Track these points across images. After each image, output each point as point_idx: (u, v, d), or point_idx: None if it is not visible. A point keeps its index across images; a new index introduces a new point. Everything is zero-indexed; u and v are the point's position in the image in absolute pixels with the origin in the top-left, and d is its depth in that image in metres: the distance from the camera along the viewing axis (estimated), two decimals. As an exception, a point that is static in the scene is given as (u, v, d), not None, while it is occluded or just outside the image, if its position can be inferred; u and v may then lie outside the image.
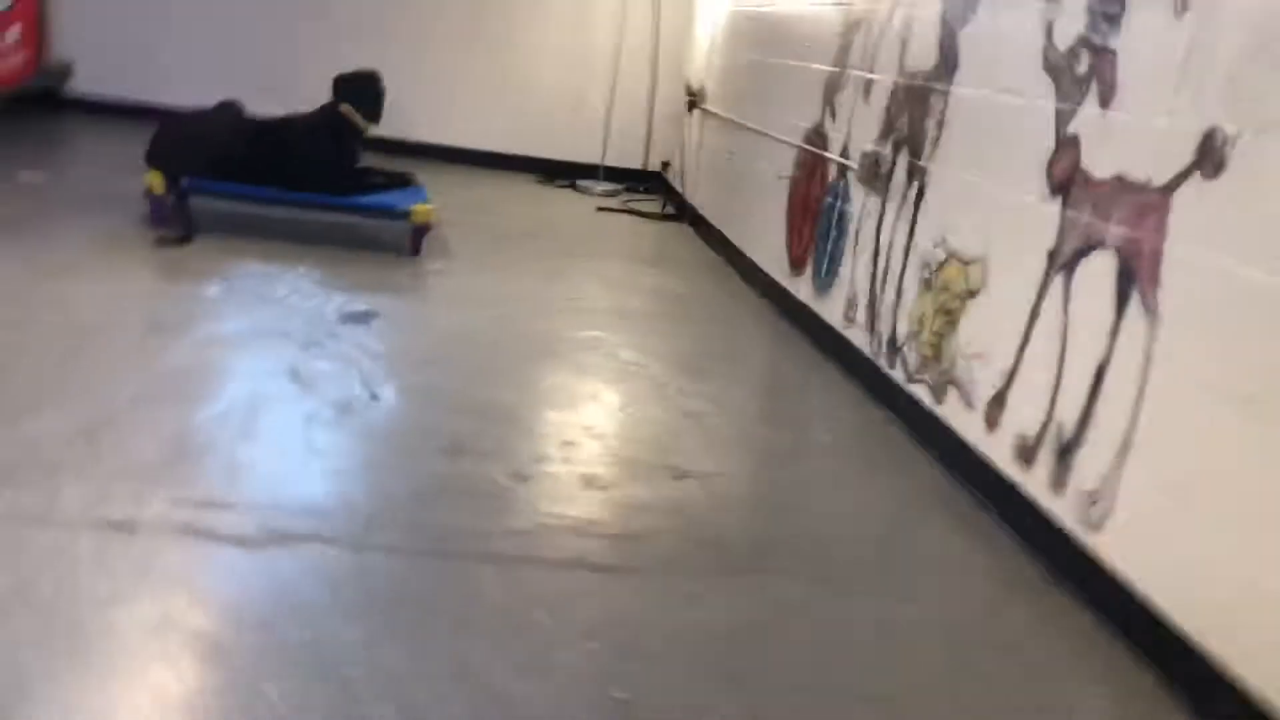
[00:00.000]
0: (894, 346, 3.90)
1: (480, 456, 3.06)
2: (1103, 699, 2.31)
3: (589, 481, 3.02)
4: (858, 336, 4.25)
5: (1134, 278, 2.58)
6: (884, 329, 4.00)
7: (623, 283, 5.59)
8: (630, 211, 7.49)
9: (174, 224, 4.82)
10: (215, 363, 3.46)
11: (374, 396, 3.37)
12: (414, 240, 5.23)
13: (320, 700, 1.92)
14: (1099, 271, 2.72)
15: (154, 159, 4.99)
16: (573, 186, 8.07)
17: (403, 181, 5.50)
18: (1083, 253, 2.80)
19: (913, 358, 3.74)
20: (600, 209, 7.50)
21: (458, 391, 3.59)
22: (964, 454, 3.31)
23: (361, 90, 5.42)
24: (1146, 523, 2.48)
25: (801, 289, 4.96)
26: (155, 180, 4.90)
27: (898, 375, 3.85)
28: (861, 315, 4.23)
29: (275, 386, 3.32)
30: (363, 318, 4.14)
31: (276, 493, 2.68)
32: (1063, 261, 2.89)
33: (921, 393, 3.65)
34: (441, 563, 2.45)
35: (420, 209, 5.18)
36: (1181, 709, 2.27)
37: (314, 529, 2.48)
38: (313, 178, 5.08)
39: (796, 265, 5.08)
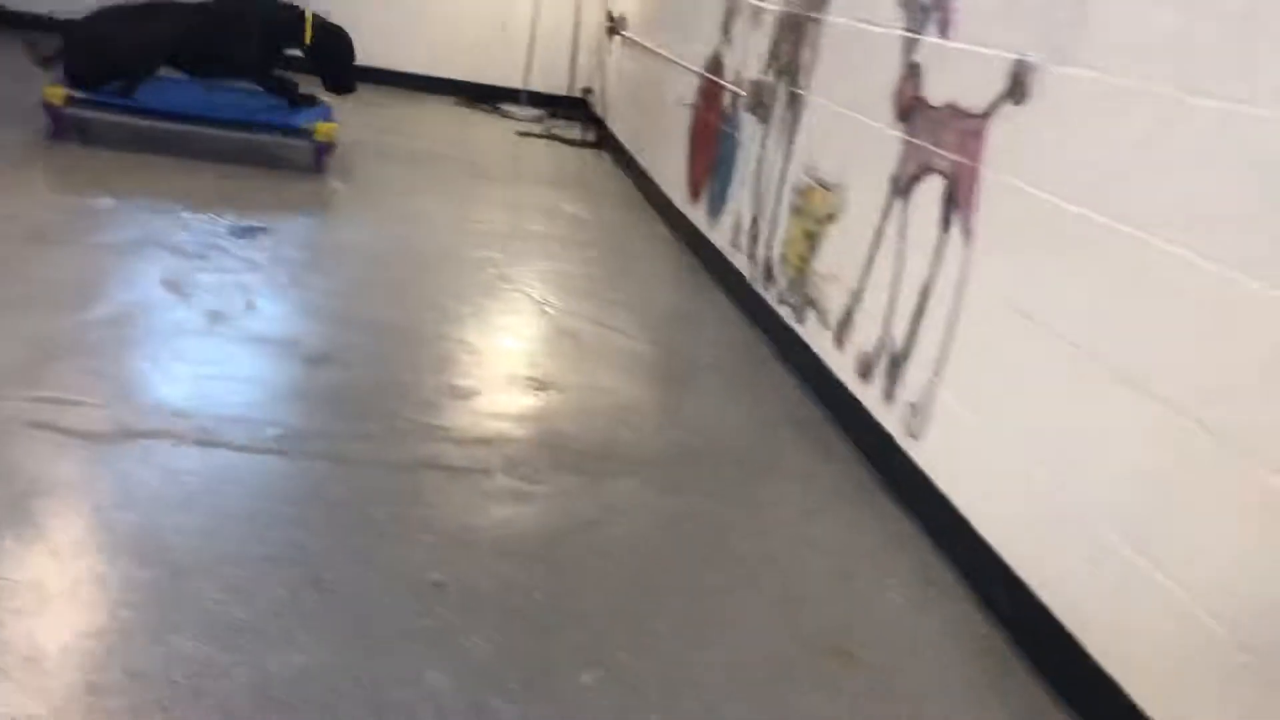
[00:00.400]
0: (768, 270, 4.04)
1: (346, 366, 3.17)
2: (901, 590, 2.49)
3: (451, 391, 3.14)
4: (741, 261, 4.38)
5: (956, 201, 2.73)
6: (761, 253, 4.14)
7: (529, 207, 5.67)
8: (550, 137, 7.52)
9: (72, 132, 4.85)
10: (94, 271, 3.52)
11: (249, 307, 3.45)
12: (317, 158, 5.27)
13: (148, 579, 2.04)
14: (929, 195, 2.86)
15: (73, 68, 4.96)
16: (495, 110, 8.08)
17: (306, 101, 5.51)
18: (918, 177, 2.94)
19: (782, 281, 3.89)
20: (521, 134, 7.52)
21: (336, 305, 3.68)
22: (818, 371, 3.47)
23: (334, 43, 5.45)
24: (953, 432, 2.65)
25: (698, 215, 5.08)
26: (54, 92, 4.88)
27: (770, 298, 4.00)
28: (745, 240, 4.36)
29: (151, 295, 3.39)
30: (253, 233, 4.19)
31: (133, 393, 2.77)
32: (902, 186, 3.02)
33: (787, 314, 3.80)
34: (287, 460, 2.57)
35: (323, 127, 5.21)
36: (971, 601, 2.46)
37: (165, 426, 2.59)
38: (239, 57, 5.13)
39: (695, 192, 5.19)
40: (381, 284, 4.02)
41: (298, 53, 5.43)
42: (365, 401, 2.97)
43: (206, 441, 2.58)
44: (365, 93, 6.21)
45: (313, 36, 5.37)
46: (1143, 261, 2.02)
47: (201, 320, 3.27)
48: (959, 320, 2.66)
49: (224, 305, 3.42)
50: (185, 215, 4.25)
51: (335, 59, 5.54)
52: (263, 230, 4.25)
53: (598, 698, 1.94)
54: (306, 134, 5.21)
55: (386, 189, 5.42)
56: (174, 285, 3.49)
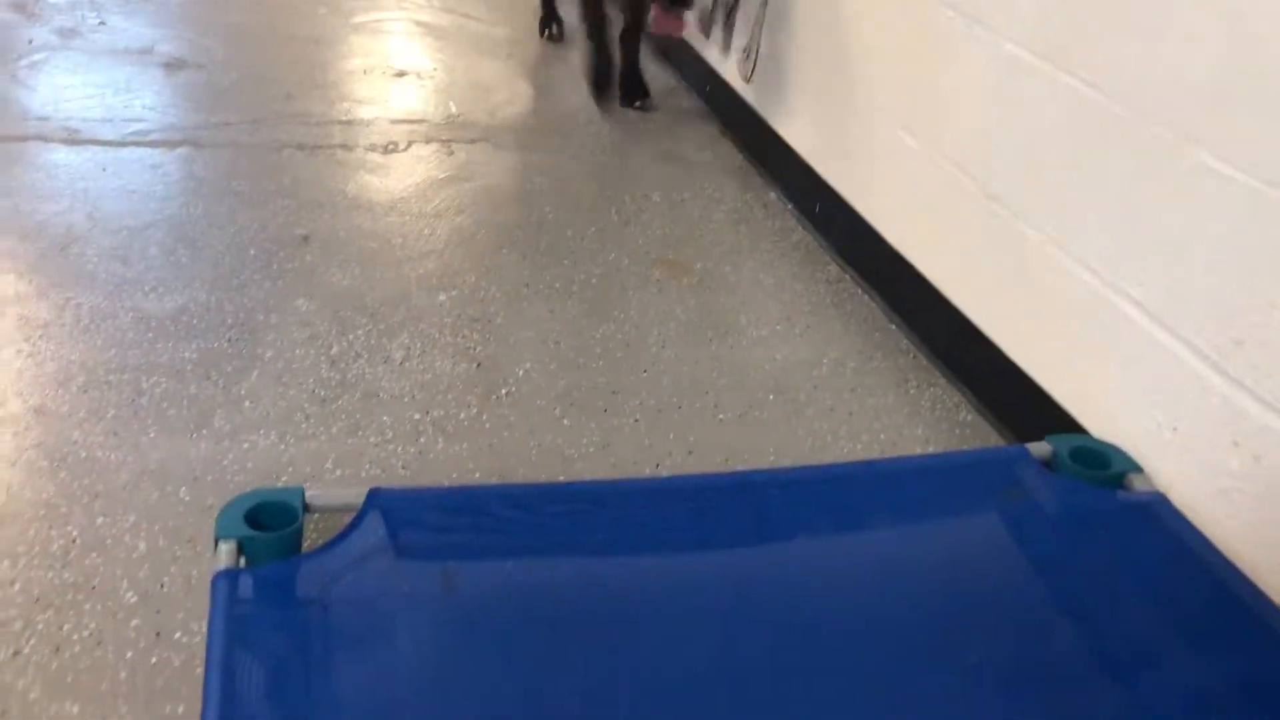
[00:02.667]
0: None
1: (201, 68, 3.26)
2: (729, 212, 2.76)
3: (309, 82, 3.25)
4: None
5: None
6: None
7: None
8: None
9: None
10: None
11: (101, 22, 3.48)
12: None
13: (36, 251, 2.24)
14: None
15: None
16: None
17: None
18: None
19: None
20: None
21: (190, 15, 3.70)
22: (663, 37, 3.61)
23: None
24: (774, 68, 2.85)
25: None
26: None
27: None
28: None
29: (-2, 17, 3.40)
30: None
31: (-8, 103, 2.87)
32: None
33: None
34: (152, 150, 2.72)
35: None
36: (793, 215, 2.74)
37: (31, 131, 2.72)
38: None
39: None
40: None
41: None
42: (223, 96, 3.09)
43: (73, 140, 2.72)
44: None
45: None
46: None
47: (54, 37, 3.31)
48: (774, -42, 2.81)
49: (75, 23, 3.44)
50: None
51: None
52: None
53: (452, 307, 2.21)
54: None
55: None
56: (20, 7, 3.49)
